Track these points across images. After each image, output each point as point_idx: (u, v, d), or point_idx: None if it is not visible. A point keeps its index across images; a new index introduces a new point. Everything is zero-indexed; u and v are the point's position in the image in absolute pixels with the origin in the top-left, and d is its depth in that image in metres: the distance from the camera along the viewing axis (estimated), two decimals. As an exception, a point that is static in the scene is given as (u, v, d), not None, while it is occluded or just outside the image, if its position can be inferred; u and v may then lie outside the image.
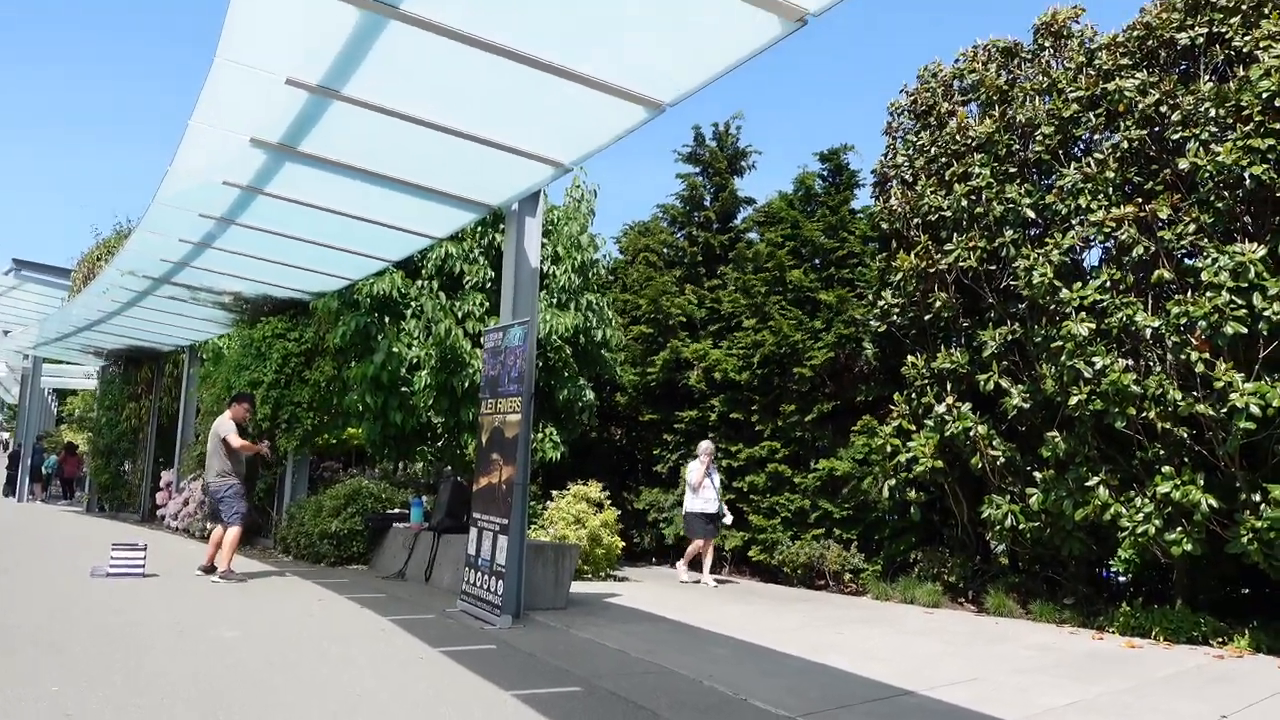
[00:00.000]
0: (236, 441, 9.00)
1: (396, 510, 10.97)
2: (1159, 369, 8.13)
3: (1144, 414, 8.06)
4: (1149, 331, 8.07)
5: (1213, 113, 8.07)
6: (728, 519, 11.58)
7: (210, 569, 8.90)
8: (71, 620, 6.26)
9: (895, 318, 10.78)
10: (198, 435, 14.45)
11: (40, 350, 21.67)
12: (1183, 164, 8.16)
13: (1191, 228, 8.07)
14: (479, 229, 11.72)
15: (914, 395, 10.27)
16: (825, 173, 13.77)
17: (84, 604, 6.97)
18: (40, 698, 4.26)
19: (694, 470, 11.28)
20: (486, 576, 7.28)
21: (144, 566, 8.68)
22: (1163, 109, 8.46)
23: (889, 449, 10.22)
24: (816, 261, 13.24)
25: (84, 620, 6.28)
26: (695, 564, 11.75)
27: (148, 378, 18.09)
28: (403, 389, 11.39)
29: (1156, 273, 8.20)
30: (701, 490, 11.15)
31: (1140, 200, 8.47)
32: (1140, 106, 8.56)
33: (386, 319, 11.58)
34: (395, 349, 11.10)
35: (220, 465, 9.06)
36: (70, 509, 20.82)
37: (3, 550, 10.55)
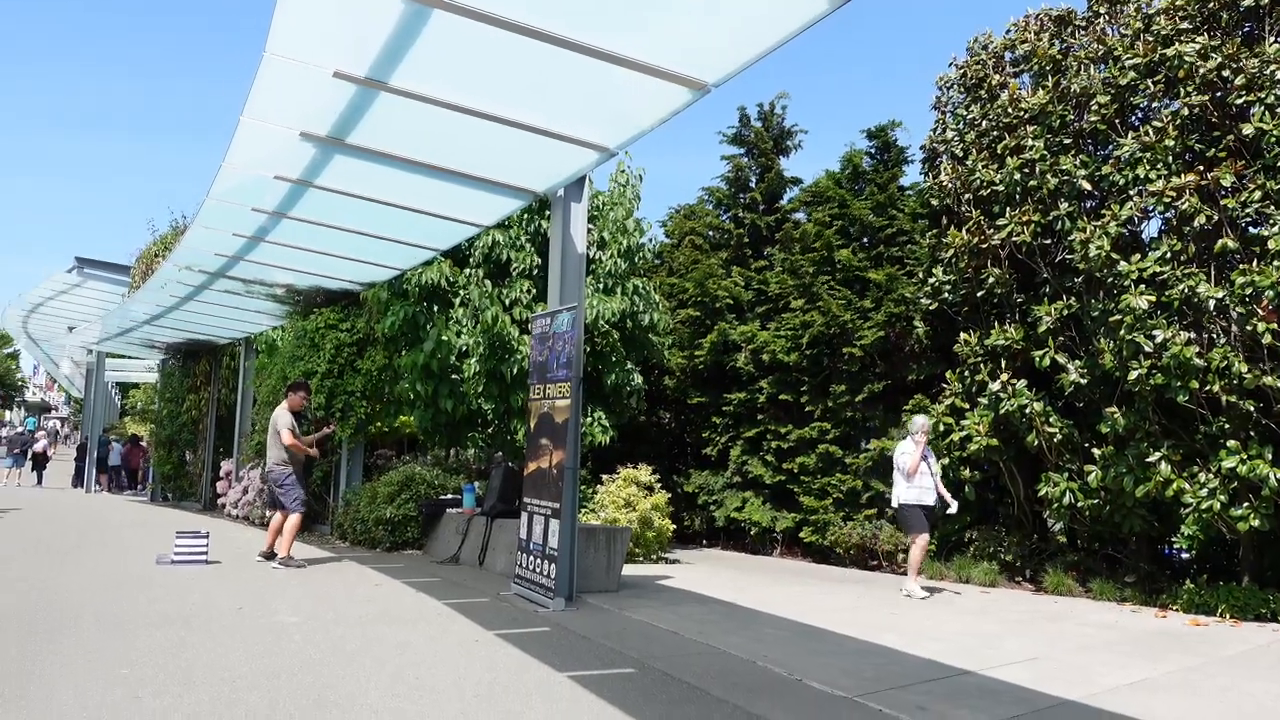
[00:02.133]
0: (288, 439, 9.17)
1: (449, 496, 11.10)
2: (1223, 341, 7.92)
3: (1207, 387, 7.86)
4: (1212, 303, 7.85)
5: (1279, 75, 7.79)
6: (953, 507, 9.08)
7: (270, 555, 9.09)
8: (138, 606, 6.45)
9: (947, 295, 10.62)
10: (255, 425, 14.76)
11: (103, 345, 22.29)
12: (1247, 129, 7.90)
13: (1257, 195, 7.82)
14: (525, 216, 11.77)
15: (967, 373, 10.12)
16: (873, 150, 13.59)
17: (150, 590, 7.17)
18: (111, 678, 4.39)
19: (906, 452, 8.99)
20: (539, 560, 7.34)
21: (207, 554, 8.91)
22: (1225, 73, 8.20)
23: (942, 428, 10.10)
24: (865, 240, 13.09)
25: (150, 606, 6.46)
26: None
27: (206, 370, 18.51)
28: (453, 376, 11.51)
29: (1220, 242, 7.97)
30: (918, 477, 8.90)
31: (1202, 168, 8.23)
32: (1201, 71, 8.30)
33: (435, 308, 11.71)
34: (444, 337, 11.21)
35: (278, 453, 9.24)
36: (135, 499, 21.43)
37: (72, 539, 10.90)
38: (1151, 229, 9.26)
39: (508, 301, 11.57)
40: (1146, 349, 8.11)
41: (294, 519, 9.10)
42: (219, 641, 5.36)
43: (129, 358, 26.39)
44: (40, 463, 25.84)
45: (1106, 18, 9.68)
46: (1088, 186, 9.10)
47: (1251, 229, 8.11)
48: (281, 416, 9.31)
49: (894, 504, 9.08)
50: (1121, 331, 8.28)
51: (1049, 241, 9.54)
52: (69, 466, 27.66)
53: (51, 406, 72.87)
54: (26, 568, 8.23)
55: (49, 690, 4.19)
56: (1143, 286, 8.30)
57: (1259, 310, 7.54)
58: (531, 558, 7.50)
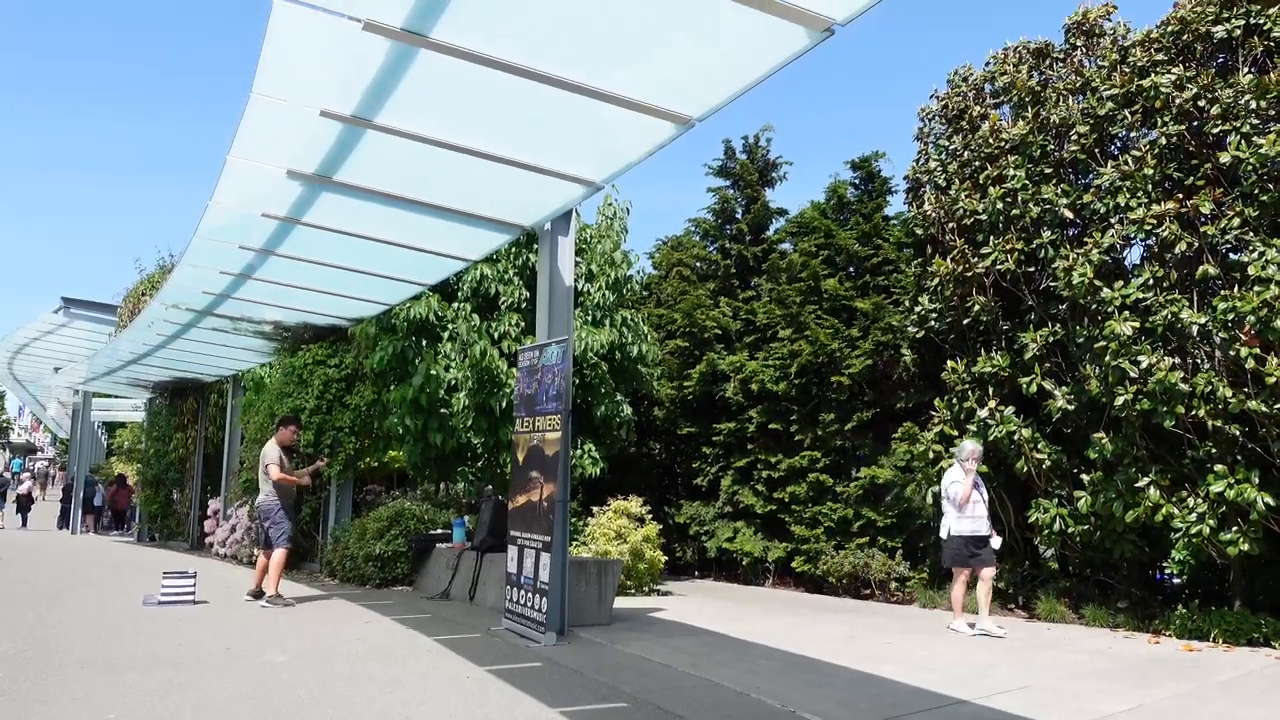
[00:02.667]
0: (276, 474, 9.13)
1: (439, 531, 11.03)
2: (1207, 366, 7.98)
3: (1193, 412, 7.91)
4: (1195, 328, 7.92)
5: (1253, 105, 7.94)
6: (996, 542, 8.51)
7: (259, 594, 9.01)
8: (125, 647, 6.37)
9: (933, 323, 10.68)
10: (243, 462, 14.66)
11: (90, 385, 22.16)
12: (1224, 158, 8.02)
13: (1236, 222, 7.93)
14: (513, 250, 11.82)
15: (955, 400, 10.16)
16: (857, 180, 13.72)
17: (136, 631, 7.09)
18: (99, 724, 4.34)
19: (956, 481, 8.41)
20: (530, 594, 7.29)
21: (194, 594, 8.82)
22: (1201, 103, 8.33)
23: (931, 455, 10.11)
24: (851, 270, 13.18)
25: (137, 647, 6.38)
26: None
27: (193, 408, 18.41)
28: (441, 410, 11.49)
29: (1201, 269, 8.06)
30: (970, 506, 8.37)
31: (1181, 196, 8.35)
32: (1178, 101, 8.44)
33: (424, 342, 11.71)
34: (433, 371, 11.21)
35: (269, 486, 9.20)
36: (122, 539, 21.20)
37: (58, 580, 10.77)
38: (1134, 256, 9.36)
39: (496, 335, 11.59)
40: (1132, 375, 8.16)
41: (279, 554, 9.02)
42: (207, 682, 5.29)
43: (116, 397, 26.21)
44: (25, 505, 25.57)
45: (1084, 50, 9.85)
46: (1069, 215, 9.21)
47: (1231, 255, 8.20)
48: (270, 451, 9.27)
49: (943, 535, 8.49)
50: (1107, 358, 8.34)
51: (1033, 269, 9.62)
52: (54, 508, 27.37)
53: (37, 448, 72.21)
54: (12, 610, 8.12)
55: (33, 735, 4.13)
56: (1126, 313, 8.38)
57: (1241, 335, 7.61)
58: (522, 592, 7.45)
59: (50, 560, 13.94)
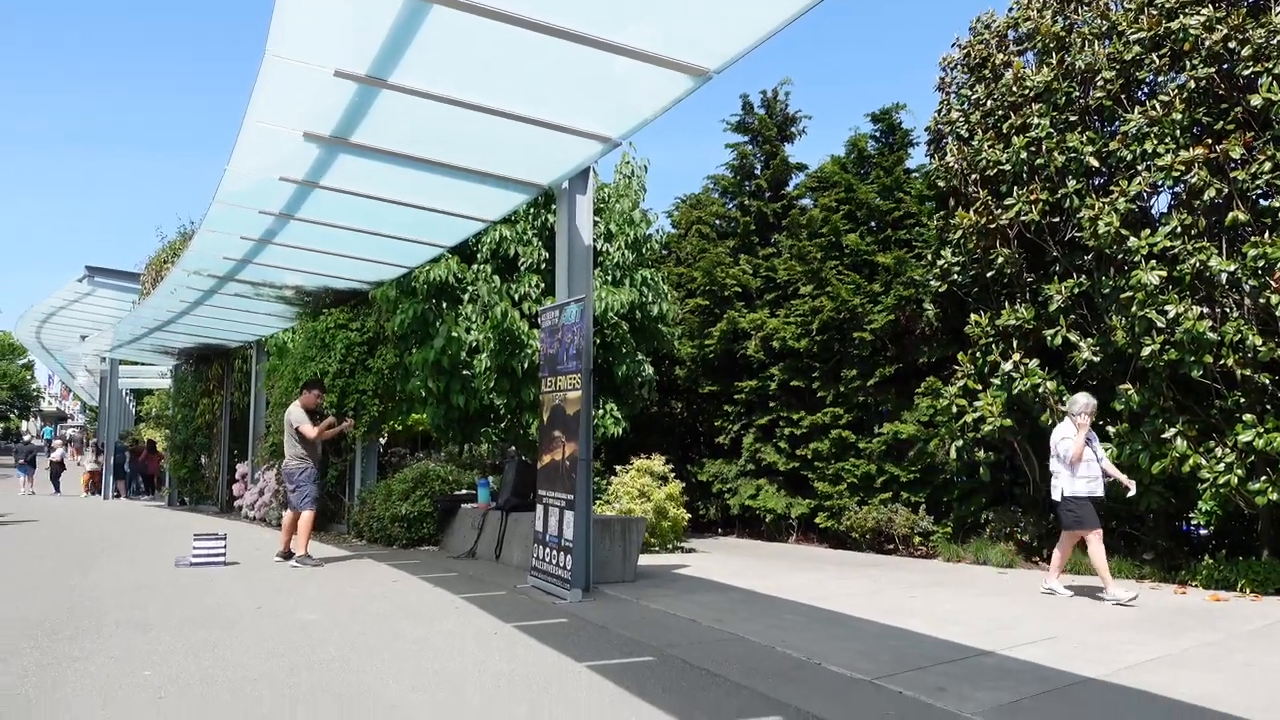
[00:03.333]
0: (310, 431, 9.20)
1: (464, 491, 11.13)
2: (1236, 314, 7.86)
3: (1221, 361, 7.81)
4: (1224, 276, 7.80)
5: (1285, 44, 7.72)
6: (1132, 489, 7.71)
7: (287, 555, 9.14)
8: (158, 608, 6.49)
9: (956, 276, 10.58)
10: (269, 427, 14.82)
11: (116, 353, 22.41)
12: (1255, 100, 7.83)
13: (1267, 166, 7.76)
14: (531, 210, 11.77)
15: (979, 354, 10.08)
16: (878, 133, 13.53)
17: (169, 591, 7.22)
18: (134, 680, 4.43)
19: (1066, 436, 7.67)
20: (555, 552, 7.36)
21: (225, 555, 8.96)
22: (1231, 44, 8.12)
23: (955, 409, 10.07)
24: (872, 224, 13.04)
25: (170, 608, 6.50)
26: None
27: (218, 374, 18.59)
28: (464, 372, 11.54)
29: (1230, 215, 7.91)
30: (1084, 465, 7.58)
31: (1210, 141, 8.16)
32: (1207, 43, 8.22)
33: (444, 305, 11.72)
34: (454, 334, 11.23)
35: (294, 450, 9.29)
36: (153, 504, 21.56)
37: (92, 544, 10.97)
38: (1161, 204, 9.21)
39: (516, 296, 11.58)
40: (1159, 325, 8.06)
41: (306, 516, 9.13)
42: (239, 641, 5.39)
43: (142, 364, 26.53)
44: (57, 472, 26.04)
45: (1110, -8, 9.61)
46: (1095, 163, 9.04)
47: (1262, 201, 8.04)
48: (294, 413, 9.35)
49: (1057, 497, 7.70)
50: (1133, 308, 8.23)
51: (1057, 220, 9.48)
52: (75, 471, 27.89)
53: (67, 415, 73.35)
54: (49, 573, 8.30)
55: (73, 692, 4.22)
56: (1153, 262, 8.25)
57: (1272, 282, 7.48)
58: (547, 550, 7.52)
59: (83, 525, 14.21)
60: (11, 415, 68.16)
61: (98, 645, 5.24)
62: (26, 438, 41.54)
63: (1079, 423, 7.59)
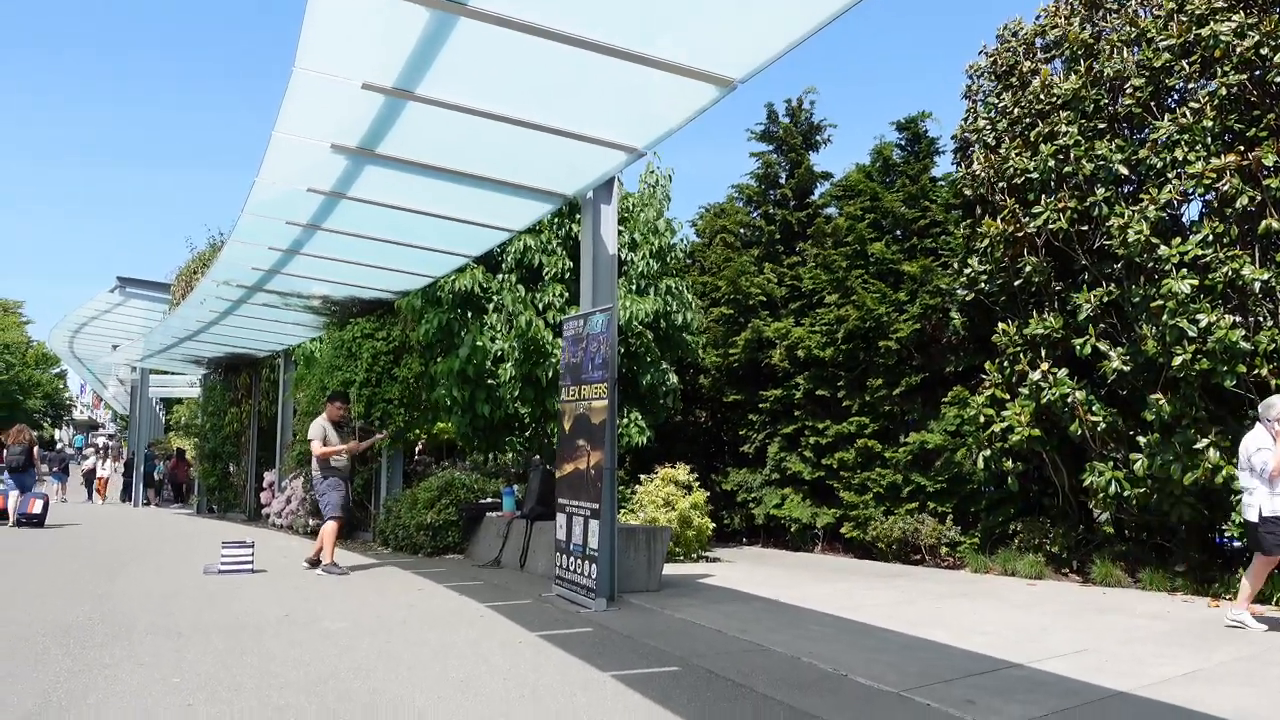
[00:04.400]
0: (318, 450, 9.28)
1: (489, 500, 11.16)
2: (1270, 324, 7.75)
3: (1255, 371, 7.70)
4: (1258, 285, 7.69)
5: (1318, 49, 7.62)
6: None
7: (315, 562, 9.20)
8: (187, 615, 6.55)
9: (983, 285, 10.50)
10: (296, 435, 14.94)
11: (146, 362, 22.71)
12: (1287, 106, 7.72)
13: (1300, 173, 7.64)
14: (556, 220, 11.82)
15: (1006, 363, 9.99)
16: (903, 142, 13.48)
17: (198, 599, 7.29)
18: (164, 687, 4.47)
19: (1264, 447, 6.58)
20: (579, 561, 7.36)
21: (253, 563, 9.04)
22: (1264, 51, 8.03)
23: (982, 419, 9.98)
24: (898, 233, 12.98)
25: (199, 615, 6.57)
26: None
27: (246, 383, 18.79)
28: (488, 381, 11.58)
29: (1264, 223, 7.81)
30: None
31: (1242, 149, 8.07)
32: (1238, 50, 8.13)
33: (469, 314, 11.79)
34: (479, 343, 11.29)
35: (316, 461, 9.38)
36: (182, 511, 21.80)
37: (122, 551, 11.10)
38: (1192, 212, 9.09)
39: (541, 306, 11.63)
40: (1190, 334, 7.95)
41: (330, 526, 9.20)
42: (266, 648, 5.43)
43: (172, 373, 26.87)
44: (90, 480, 26.40)
45: (1138, -1, 9.53)
46: (1124, 171, 8.95)
47: (1296, 208, 7.93)
48: (314, 428, 9.43)
49: (1253, 517, 6.63)
50: (1164, 317, 8.13)
51: (1086, 228, 9.39)
52: (116, 481, 28.23)
53: (99, 424, 74.33)
54: (80, 580, 8.40)
55: (105, 698, 4.27)
56: (1184, 270, 8.15)
57: (1306, 290, 7.37)
58: (572, 559, 7.52)
59: (114, 532, 14.38)
60: (45, 424, 69.17)
61: (127, 651, 5.29)
62: (60, 446, 42.09)
63: (1277, 431, 6.55)
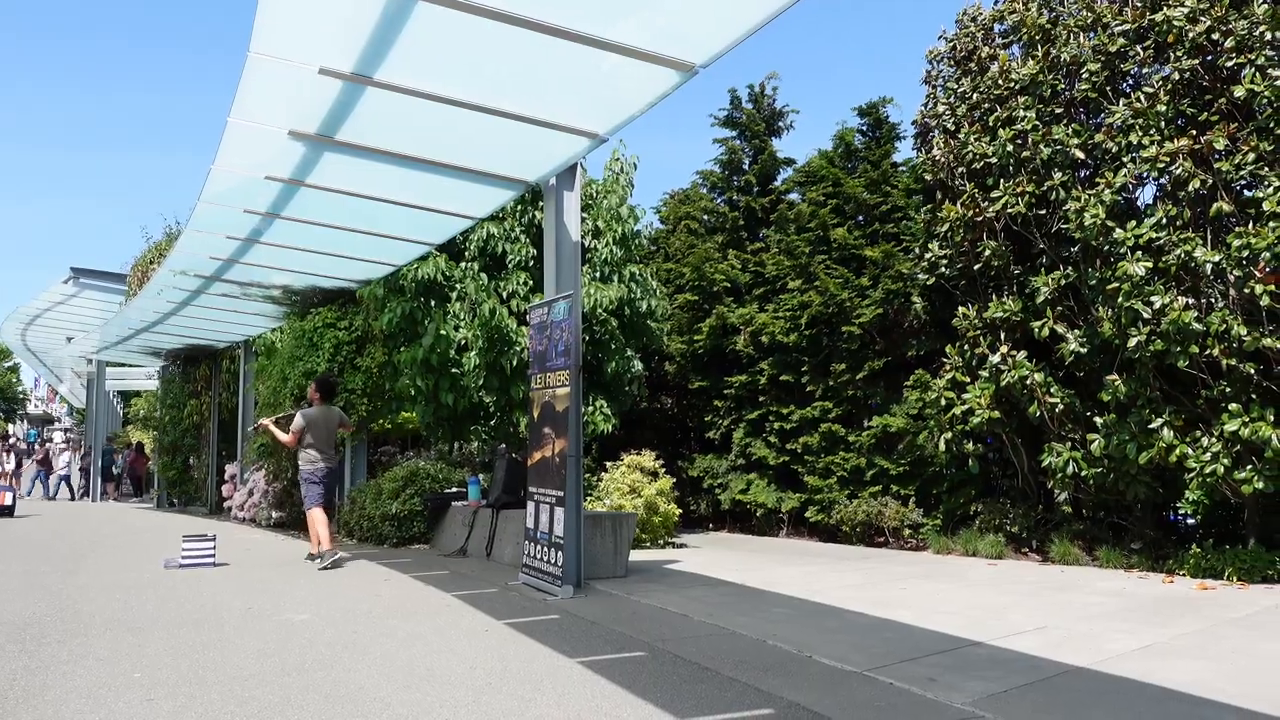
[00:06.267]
0: (283, 437, 9.31)
1: (454, 489, 11.11)
2: (1221, 305, 7.91)
3: (1207, 352, 7.86)
4: (1209, 267, 7.84)
5: (1268, 36, 7.78)
6: None
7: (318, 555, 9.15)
8: (148, 609, 6.46)
9: (943, 269, 10.61)
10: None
11: (102, 354, 22.28)
12: (1239, 92, 7.88)
13: (1250, 157, 7.80)
14: (519, 207, 11.75)
15: (967, 347, 10.12)
16: (865, 127, 13.56)
17: (158, 593, 7.19)
18: (124, 682, 4.41)
19: None
20: (546, 549, 7.36)
21: (214, 556, 8.93)
22: (1215, 36, 8.16)
23: (943, 402, 10.10)
24: (860, 218, 13.07)
25: (160, 609, 6.48)
26: None
27: (206, 375, 18.52)
28: (452, 370, 11.52)
29: (1215, 206, 7.96)
30: None
31: (1195, 132, 8.21)
32: (1190, 35, 8.27)
33: (432, 303, 11.70)
34: (443, 332, 11.21)
35: (303, 452, 9.34)
36: (141, 505, 21.46)
37: (81, 546, 10.91)
38: (1146, 195, 9.25)
39: (505, 294, 11.57)
40: (1145, 316, 8.10)
41: (310, 515, 9.17)
42: (229, 641, 5.37)
43: (129, 366, 26.40)
44: (44, 474, 25.91)
45: (1094, -16, 9.64)
46: (1081, 155, 9.08)
47: (1246, 192, 8.09)
48: (295, 420, 9.38)
49: None
50: (1120, 299, 8.27)
51: (1044, 212, 9.52)
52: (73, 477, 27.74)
53: (54, 418, 72.89)
54: (38, 575, 8.24)
55: (63, 695, 4.20)
56: (1139, 253, 8.29)
57: (1256, 272, 7.53)
58: (539, 547, 7.51)
59: (72, 527, 14.13)
60: (-2, 418, 67.71)
61: (86, 647, 5.21)
62: (12, 441, 41.28)
63: None
